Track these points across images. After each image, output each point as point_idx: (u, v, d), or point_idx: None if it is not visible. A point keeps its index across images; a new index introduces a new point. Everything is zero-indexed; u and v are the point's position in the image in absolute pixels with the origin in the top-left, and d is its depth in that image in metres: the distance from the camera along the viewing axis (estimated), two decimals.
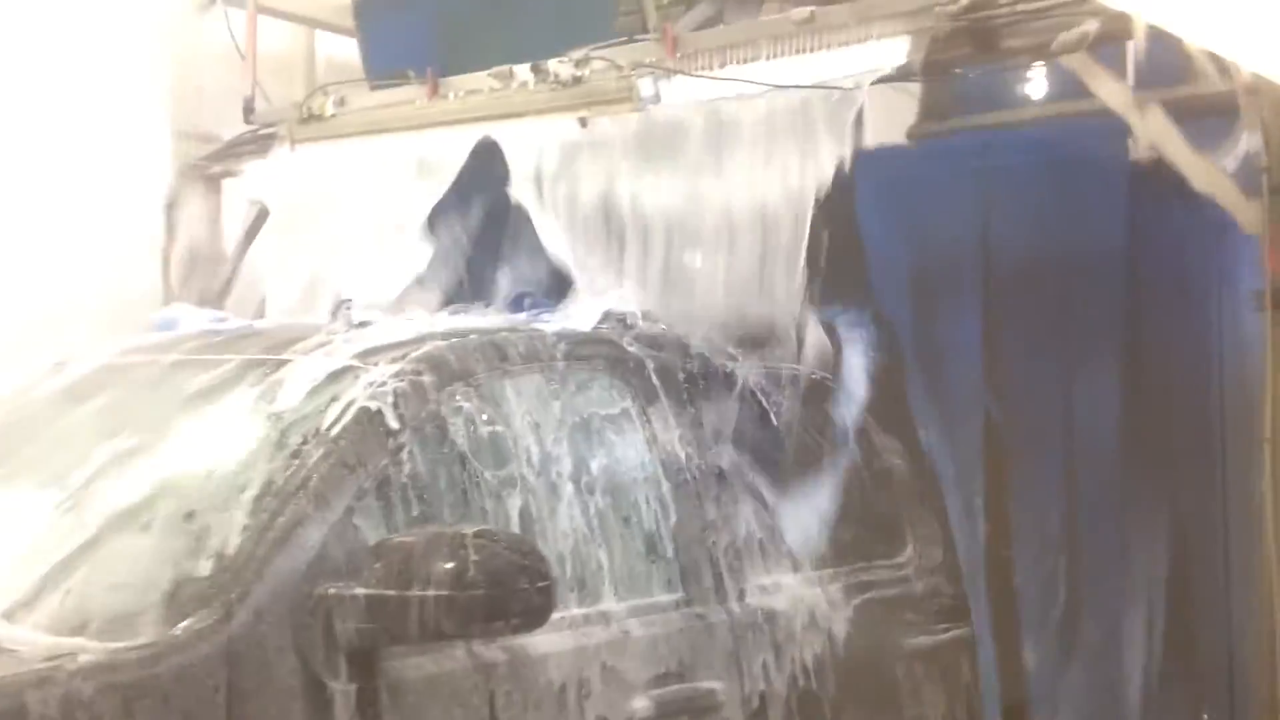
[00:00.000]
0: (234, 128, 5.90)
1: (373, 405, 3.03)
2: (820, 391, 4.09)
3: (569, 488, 3.31)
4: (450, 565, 2.70)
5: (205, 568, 2.80)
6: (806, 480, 3.93)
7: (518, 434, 3.30)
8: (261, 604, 2.73)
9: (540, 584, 2.80)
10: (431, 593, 2.70)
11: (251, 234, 5.54)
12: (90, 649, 2.67)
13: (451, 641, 2.86)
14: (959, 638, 4.08)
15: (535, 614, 2.84)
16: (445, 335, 3.41)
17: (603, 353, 3.64)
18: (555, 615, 3.00)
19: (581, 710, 3.14)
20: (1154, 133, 4.04)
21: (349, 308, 4.21)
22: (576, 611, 3.21)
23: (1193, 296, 4.29)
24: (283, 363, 3.33)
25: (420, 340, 3.33)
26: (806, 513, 3.87)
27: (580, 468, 3.37)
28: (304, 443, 2.96)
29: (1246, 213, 3.88)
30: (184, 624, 2.69)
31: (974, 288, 4.24)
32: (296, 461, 2.93)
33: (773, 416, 3.90)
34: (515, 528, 3.15)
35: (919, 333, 4.24)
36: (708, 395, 3.76)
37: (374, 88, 5.50)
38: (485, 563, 2.72)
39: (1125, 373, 4.21)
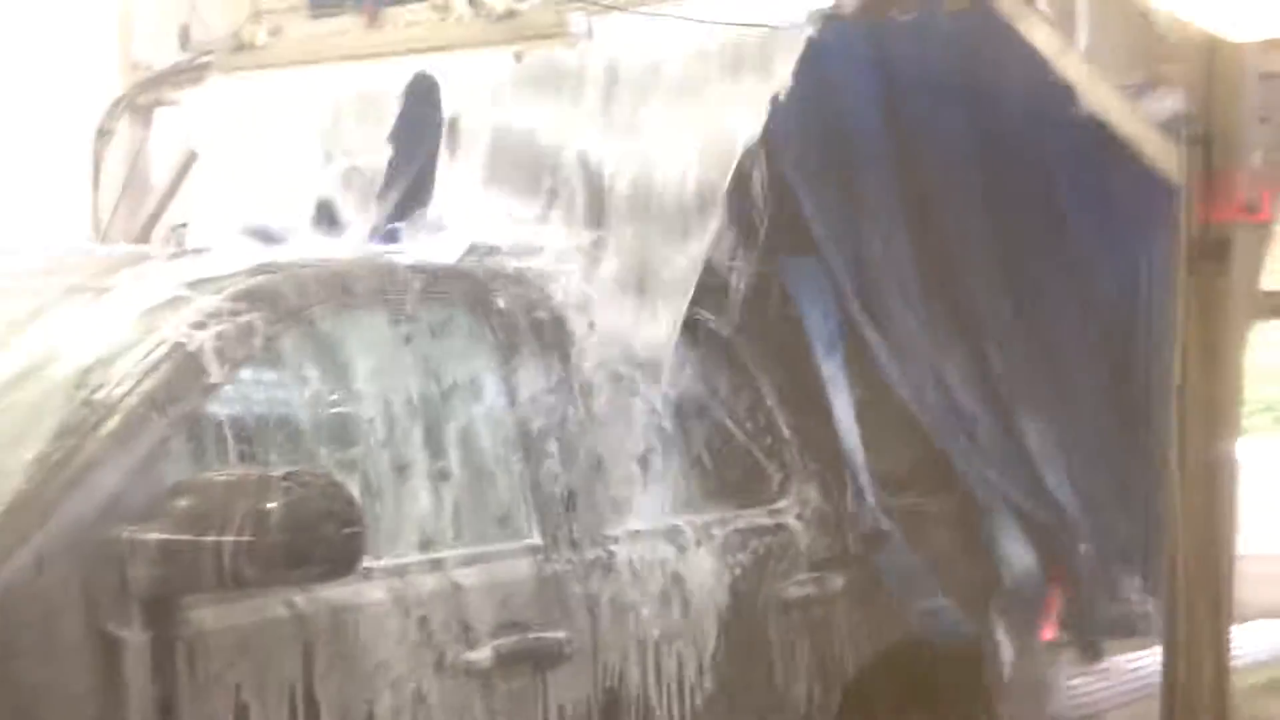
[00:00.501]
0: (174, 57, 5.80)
1: (189, 343, 2.80)
2: (708, 337, 3.95)
3: (411, 433, 3.13)
4: (251, 508, 2.53)
5: None
6: (680, 426, 3.78)
7: (356, 376, 3.11)
8: (43, 550, 2.52)
9: (347, 530, 2.63)
10: (230, 538, 2.52)
11: (183, 170, 5.41)
12: None
13: (259, 590, 2.66)
14: (834, 589, 3.96)
15: (341, 562, 2.66)
16: (284, 266, 3.18)
17: (462, 289, 3.43)
18: (384, 563, 2.92)
19: (412, 660, 2.98)
20: (1081, 80, 3.98)
21: (183, 232, 3.95)
22: (410, 559, 3.05)
23: (1119, 240, 4.35)
24: (104, 290, 3.10)
25: (255, 271, 3.09)
26: (676, 457, 3.73)
27: (426, 412, 3.19)
28: (108, 382, 2.73)
29: (1169, 161, 3.83)
30: None
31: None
32: (99, 398, 2.70)
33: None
34: (350, 476, 2.94)
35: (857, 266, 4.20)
36: (572, 339, 3.59)
37: (314, 16, 5.39)
38: (289, 506, 2.54)
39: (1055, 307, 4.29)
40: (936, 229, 4.37)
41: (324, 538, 2.60)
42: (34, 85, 5.72)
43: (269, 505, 2.55)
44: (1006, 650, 4.27)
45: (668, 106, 4.07)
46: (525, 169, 4.12)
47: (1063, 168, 4.47)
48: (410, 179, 4.36)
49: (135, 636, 2.58)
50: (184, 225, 4.41)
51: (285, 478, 2.60)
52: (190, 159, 5.26)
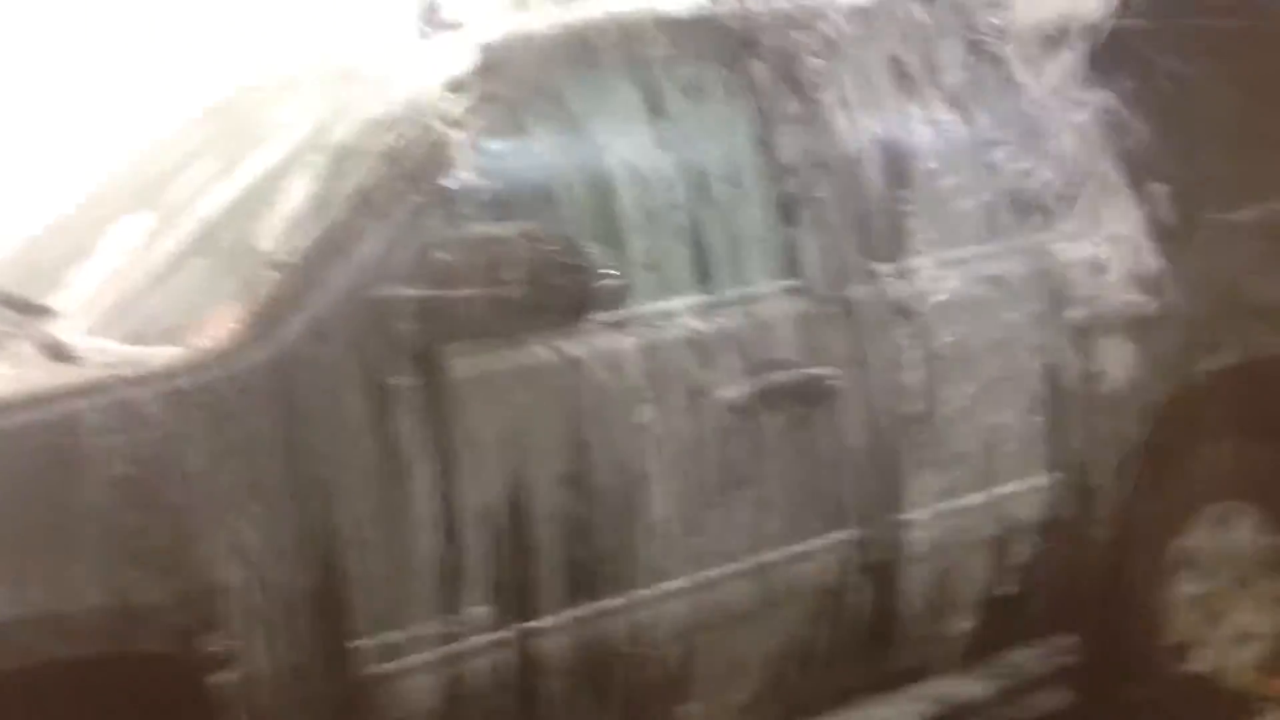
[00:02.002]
0: None
1: (435, 119, 2.91)
2: None
3: (663, 192, 3.06)
4: (491, 262, 2.71)
5: (263, 280, 2.77)
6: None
7: (602, 138, 3.07)
8: (318, 314, 2.69)
9: (578, 279, 2.76)
10: (475, 291, 2.71)
11: None
12: (151, 356, 2.67)
13: (510, 339, 2.81)
14: None
15: (574, 309, 2.80)
16: (525, 34, 3.15)
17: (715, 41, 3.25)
18: (642, 309, 2.97)
19: (668, 398, 2.96)
20: None
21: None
22: (664, 305, 3.02)
23: None
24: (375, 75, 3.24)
25: (497, 43, 3.10)
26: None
27: (678, 172, 3.10)
28: (365, 156, 2.92)
29: None
30: (232, 331, 2.67)
31: None
32: (355, 169, 2.90)
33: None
34: (598, 232, 2.97)
35: None
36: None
37: None
38: (523, 260, 2.71)
39: None
40: None
41: (556, 287, 2.73)
42: None
43: (502, 259, 2.71)
44: None
45: None
46: None
47: None
48: None
49: (408, 384, 2.72)
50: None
51: (522, 235, 2.75)
52: None
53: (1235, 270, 3.64)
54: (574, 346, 2.84)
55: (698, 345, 2.99)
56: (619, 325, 2.91)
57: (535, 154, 3.01)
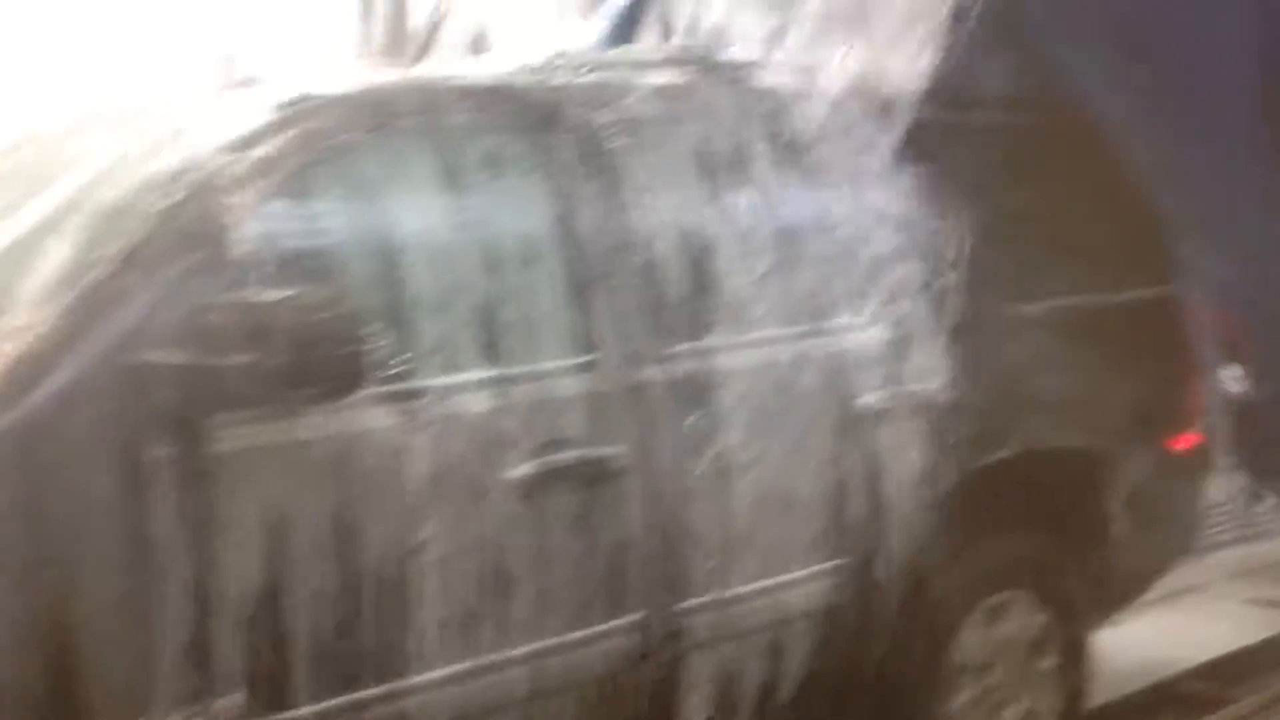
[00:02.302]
0: None
1: (217, 174, 2.77)
2: None
3: (450, 263, 2.98)
4: (256, 329, 2.58)
5: (13, 340, 2.59)
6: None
7: (394, 205, 2.99)
8: (69, 375, 2.53)
9: (349, 349, 2.66)
10: (239, 360, 2.57)
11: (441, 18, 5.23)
12: None
13: (275, 410, 2.67)
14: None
15: (345, 381, 2.68)
16: (320, 95, 3.04)
17: (521, 111, 3.19)
18: (418, 385, 2.85)
19: (446, 482, 2.86)
20: None
21: (234, 63, 3.72)
22: (446, 380, 2.92)
23: None
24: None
25: (291, 101, 2.98)
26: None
27: (469, 243, 3.03)
28: (139, 210, 2.75)
29: None
30: None
31: None
32: (129, 226, 2.73)
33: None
34: (379, 301, 2.88)
35: None
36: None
37: None
38: (294, 329, 2.58)
39: None
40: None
41: (329, 359, 2.63)
42: None
43: (272, 326, 2.59)
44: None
45: None
46: None
47: None
48: None
49: (165, 456, 2.59)
50: (232, 56, 4.05)
51: (295, 302, 2.63)
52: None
53: (1020, 363, 3.69)
54: (346, 422, 2.73)
55: (481, 424, 2.90)
56: (397, 401, 2.81)
57: (321, 219, 2.89)
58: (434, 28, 5.09)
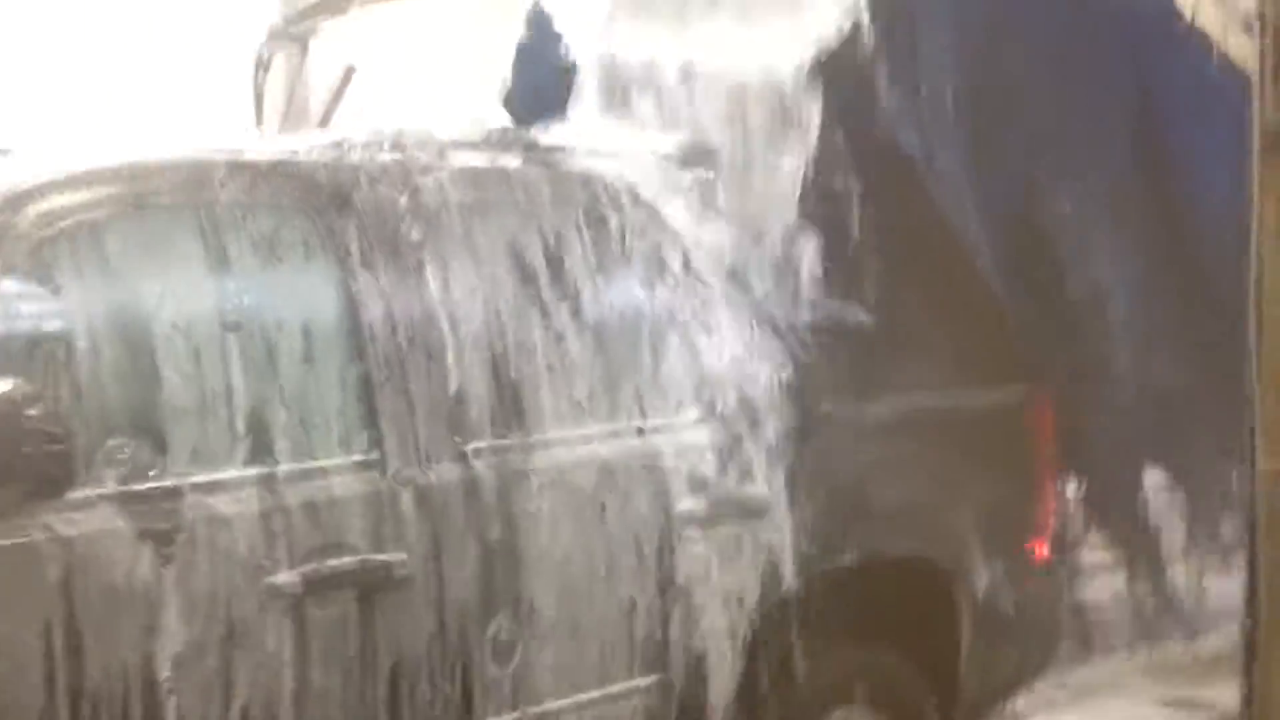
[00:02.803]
0: None
1: None
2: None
3: (206, 349, 2.77)
4: None
5: None
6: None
7: (145, 289, 2.79)
8: None
9: (54, 448, 2.49)
10: None
11: (338, 95, 5.20)
12: None
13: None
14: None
15: (51, 483, 2.52)
16: (68, 170, 2.84)
17: (301, 191, 3.00)
18: (170, 483, 2.65)
19: (198, 590, 2.65)
20: None
21: None
22: (200, 479, 2.70)
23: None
24: None
25: (38, 175, 2.79)
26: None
27: (231, 330, 2.82)
28: None
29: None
30: None
31: None
32: None
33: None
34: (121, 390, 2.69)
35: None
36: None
37: None
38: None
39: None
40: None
41: (37, 457, 2.47)
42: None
43: None
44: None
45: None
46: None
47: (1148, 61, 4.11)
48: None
49: None
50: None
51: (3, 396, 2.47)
52: (345, 85, 5.19)
53: (859, 468, 3.50)
54: (68, 524, 2.51)
55: (244, 526, 2.70)
56: (137, 502, 2.59)
57: (57, 302, 2.66)
58: (336, 97, 5.12)
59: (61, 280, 2.65)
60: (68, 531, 2.51)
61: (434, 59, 4.63)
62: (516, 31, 4.14)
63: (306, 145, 3.12)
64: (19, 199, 2.67)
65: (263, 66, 5.45)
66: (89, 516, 2.54)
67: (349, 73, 5.07)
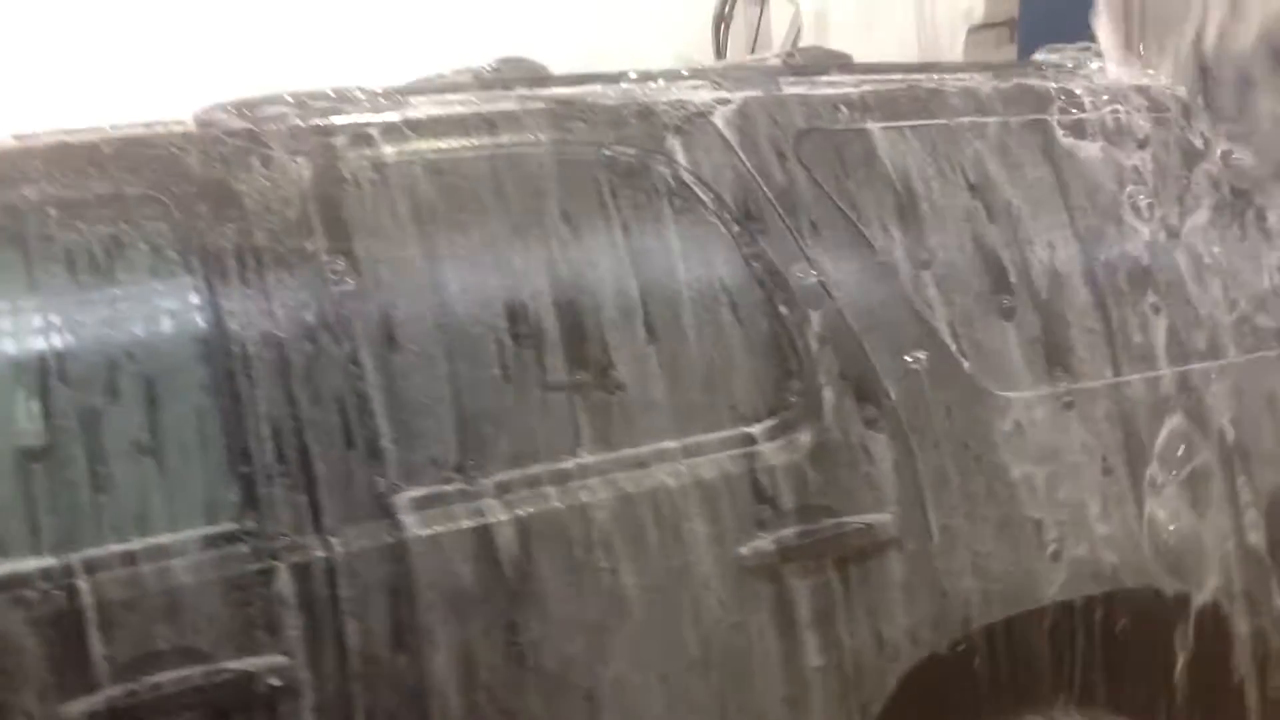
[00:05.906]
0: None
1: None
2: None
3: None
4: None
5: None
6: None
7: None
8: None
9: None
10: None
11: (791, 41, 5.61)
12: None
13: None
14: None
15: None
16: None
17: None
18: None
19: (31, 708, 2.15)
20: None
21: None
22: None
23: None
24: None
25: None
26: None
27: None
28: None
29: None
30: None
31: None
32: None
33: None
34: None
35: None
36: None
37: None
38: None
39: None
40: None
41: None
42: None
43: None
44: None
45: None
46: None
47: None
48: None
49: None
50: None
51: None
52: (794, 32, 5.62)
53: None
54: None
55: (45, 629, 2.17)
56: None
57: None
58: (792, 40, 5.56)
59: None
60: None
61: None
62: None
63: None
64: None
65: (725, 20, 5.88)
66: None
67: (796, 18, 5.62)
